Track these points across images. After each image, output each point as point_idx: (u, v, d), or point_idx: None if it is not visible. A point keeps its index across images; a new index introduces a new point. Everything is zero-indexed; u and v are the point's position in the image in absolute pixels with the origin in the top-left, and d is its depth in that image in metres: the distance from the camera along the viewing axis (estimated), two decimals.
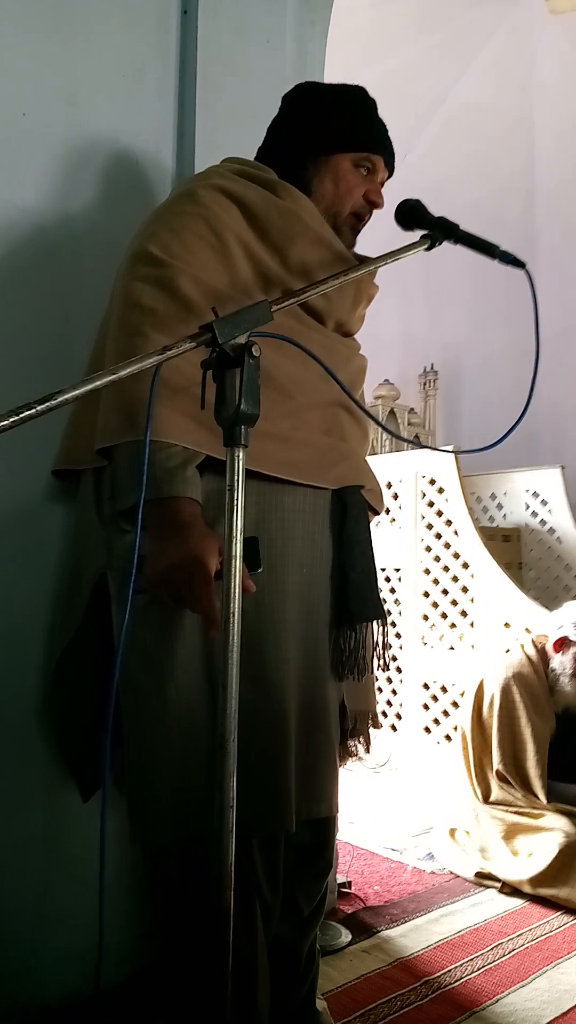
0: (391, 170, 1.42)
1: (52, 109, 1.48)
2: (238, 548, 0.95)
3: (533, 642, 2.45)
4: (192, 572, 1.02)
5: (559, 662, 2.36)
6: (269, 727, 1.14)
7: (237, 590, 0.93)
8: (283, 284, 1.27)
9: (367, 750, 1.39)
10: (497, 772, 2.28)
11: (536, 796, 2.21)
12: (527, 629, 2.82)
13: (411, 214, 1.29)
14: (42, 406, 0.74)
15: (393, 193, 1.39)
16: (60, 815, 1.43)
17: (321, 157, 1.35)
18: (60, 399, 0.76)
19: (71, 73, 1.51)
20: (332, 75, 2.05)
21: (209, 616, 1.01)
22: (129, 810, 1.15)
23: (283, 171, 1.34)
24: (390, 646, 1.36)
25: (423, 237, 1.25)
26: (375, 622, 1.33)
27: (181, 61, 1.68)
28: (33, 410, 0.73)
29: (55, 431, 1.38)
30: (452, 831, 2.35)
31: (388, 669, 1.36)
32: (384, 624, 1.34)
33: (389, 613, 3.14)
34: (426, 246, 1.25)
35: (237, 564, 0.94)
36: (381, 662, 1.34)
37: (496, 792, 2.27)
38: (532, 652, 2.41)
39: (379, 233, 1.54)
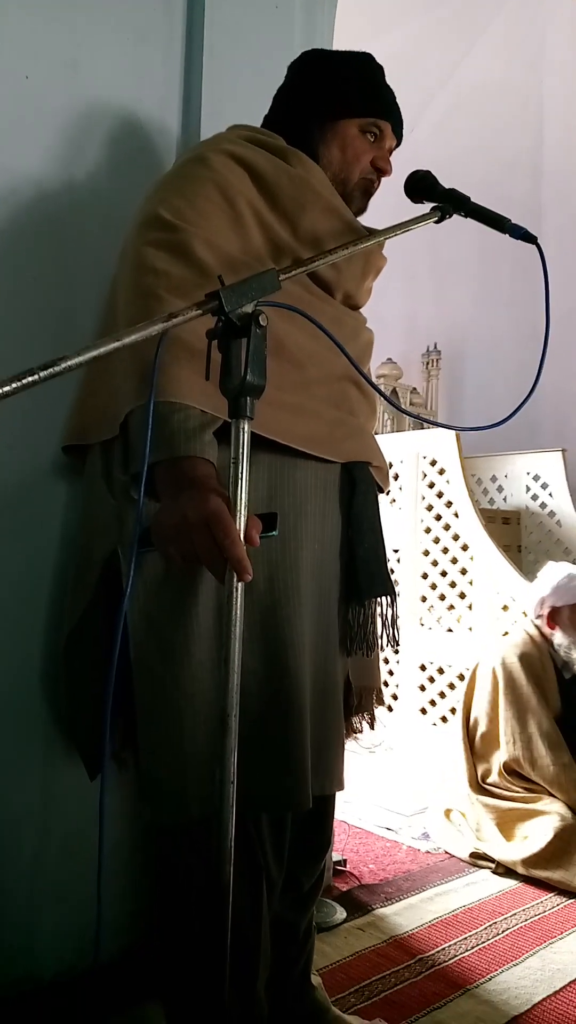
0: (399, 137, 1.39)
1: (54, 73, 1.44)
2: (242, 521, 0.93)
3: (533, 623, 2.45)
4: (211, 525, 0.94)
5: (560, 637, 2.35)
6: (286, 705, 1.13)
7: None
8: (293, 253, 1.25)
9: (372, 726, 1.39)
10: (506, 764, 2.26)
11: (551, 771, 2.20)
12: (524, 612, 2.82)
13: (421, 185, 1.27)
14: (45, 372, 0.71)
15: (400, 168, 1.36)
16: (57, 791, 1.43)
17: (328, 123, 1.32)
18: (64, 365, 0.73)
19: (73, 36, 1.47)
20: (339, 47, 2.00)
21: (239, 567, 0.92)
22: (141, 790, 1.13)
23: (290, 138, 1.31)
24: (397, 621, 1.35)
25: (433, 209, 1.23)
26: (384, 597, 1.32)
27: (187, 26, 1.64)
28: (36, 376, 0.71)
29: (56, 406, 1.36)
30: (447, 811, 2.36)
31: (397, 645, 1.34)
32: (393, 600, 1.33)
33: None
34: (436, 218, 1.23)
35: (241, 536, 0.93)
36: (389, 638, 1.33)
37: (495, 778, 2.27)
38: (534, 632, 2.41)
39: (386, 204, 1.51)
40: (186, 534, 0.96)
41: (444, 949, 1.70)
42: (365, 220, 1.42)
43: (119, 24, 1.54)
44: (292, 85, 1.38)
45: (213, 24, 1.65)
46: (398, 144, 1.39)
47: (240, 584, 0.92)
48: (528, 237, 1.20)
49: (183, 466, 1.03)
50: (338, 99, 1.32)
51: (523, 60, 4.72)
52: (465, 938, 1.76)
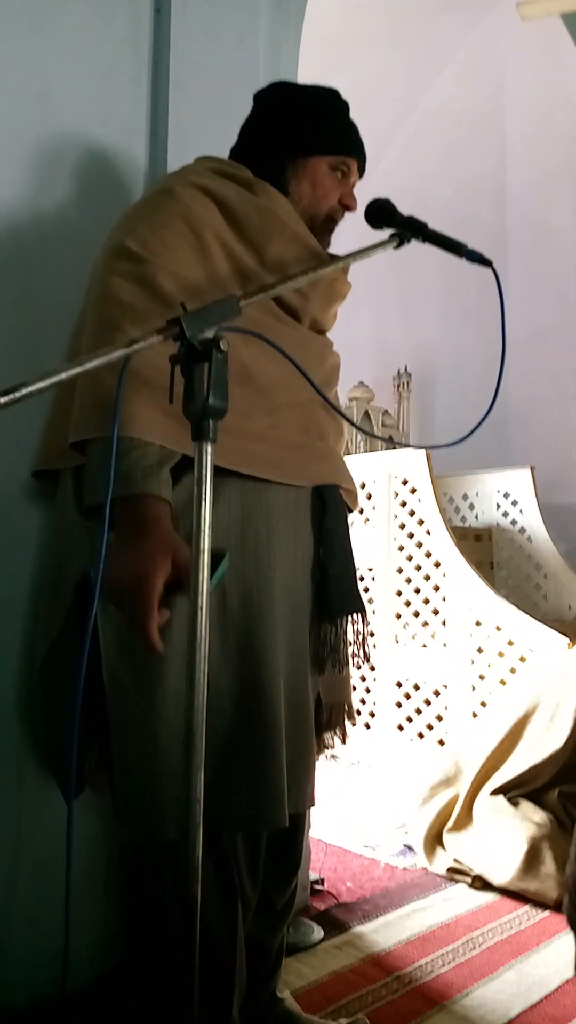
0: (362, 173, 1.43)
1: (21, 105, 1.47)
2: (206, 543, 0.95)
3: None
4: (136, 592, 1.03)
5: None
6: (261, 723, 1.14)
7: (204, 585, 0.94)
8: (260, 280, 1.28)
9: (343, 742, 1.40)
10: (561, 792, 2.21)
11: None
12: (498, 627, 2.85)
13: (381, 213, 1.30)
14: (5, 398, 0.73)
15: (367, 196, 1.40)
16: (30, 815, 1.42)
17: (299, 159, 1.36)
18: (24, 391, 0.75)
19: (40, 69, 1.50)
20: (305, 79, 2.05)
21: (148, 643, 1.03)
22: (116, 810, 1.14)
23: (259, 171, 1.35)
24: (369, 639, 1.37)
25: (392, 235, 1.27)
26: (354, 615, 1.34)
27: (153, 59, 1.68)
28: None
29: (27, 431, 1.37)
30: (428, 827, 2.35)
31: (368, 661, 1.37)
32: (364, 617, 1.36)
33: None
34: (395, 244, 1.26)
35: (205, 558, 0.94)
36: (360, 655, 1.36)
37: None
38: None
39: (352, 234, 1.55)
40: (118, 597, 1.04)
41: (421, 966, 1.71)
42: (332, 248, 1.45)
43: (86, 58, 1.57)
44: (261, 118, 1.41)
45: (179, 58, 1.69)
46: (360, 178, 1.43)
47: (206, 604, 0.93)
48: (484, 261, 1.24)
49: (137, 506, 1.07)
50: (310, 137, 1.36)
51: (484, 90, 4.85)
52: (442, 954, 1.76)
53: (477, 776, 2.30)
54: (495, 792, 2.23)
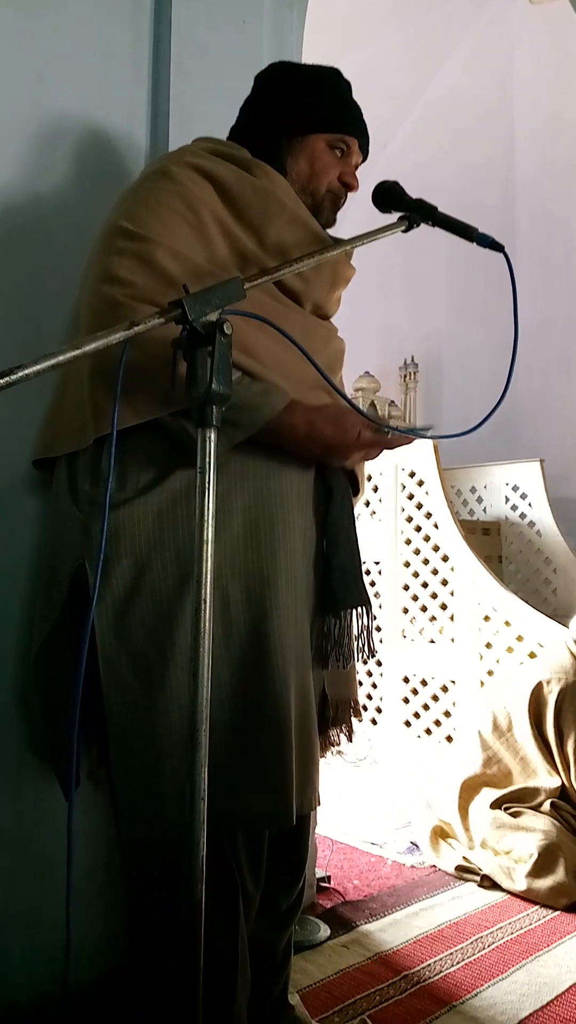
0: (365, 154, 1.40)
1: (19, 85, 1.44)
2: (210, 533, 0.91)
3: None
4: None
5: None
6: (270, 718, 1.11)
7: (208, 577, 0.91)
8: (260, 263, 1.24)
9: (350, 739, 1.37)
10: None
11: None
12: (507, 622, 2.82)
13: (389, 195, 1.27)
14: (1, 380, 0.70)
15: (372, 183, 1.37)
16: (31, 812, 1.40)
17: (296, 137, 1.33)
18: (20, 374, 0.72)
19: (39, 49, 1.46)
20: (311, 62, 2.02)
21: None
22: (117, 809, 1.11)
23: (257, 151, 1.31)
24: (375, 633, 1.34)
25: (401, 219, 1.23)
26: (360, 608, 1.30)
27: (154, 40, 1.65)
28: None
29: (27, 421, 1.34)
30: (435, 828, 2.32)
31: (374, 655, 1.34)
32: (369, 610, 1.32)
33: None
34: (403, 227, 1.23)
35: (209, 549, 0.91)
36: (366, 649, 1.32)
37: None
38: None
39: (357, 219, 1.51)
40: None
41: (429, 965, 1.68)
42: (335, 232, 1.42)
43: (86, 38, 1.53)
44: (260, 97, 1.38)
45: (180, 39, 1.65)
46: (364, 160, 1.40)
47: (208, 597, 0.90)
48: (495, 245, 1.21)
49: (294, 407, 1.16)
50: (307, 114, 1.33)
51: (492, 76, 4.78)
52: (451, 953, 1.73)
53: (462, 796, 2.26)
54: (493, 805, 2.20)
